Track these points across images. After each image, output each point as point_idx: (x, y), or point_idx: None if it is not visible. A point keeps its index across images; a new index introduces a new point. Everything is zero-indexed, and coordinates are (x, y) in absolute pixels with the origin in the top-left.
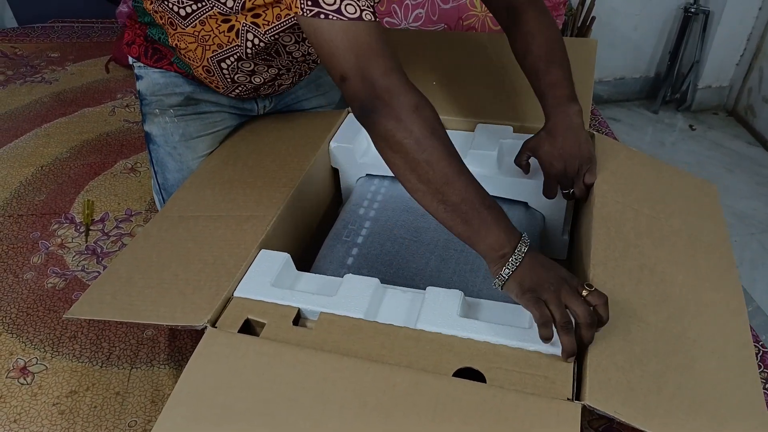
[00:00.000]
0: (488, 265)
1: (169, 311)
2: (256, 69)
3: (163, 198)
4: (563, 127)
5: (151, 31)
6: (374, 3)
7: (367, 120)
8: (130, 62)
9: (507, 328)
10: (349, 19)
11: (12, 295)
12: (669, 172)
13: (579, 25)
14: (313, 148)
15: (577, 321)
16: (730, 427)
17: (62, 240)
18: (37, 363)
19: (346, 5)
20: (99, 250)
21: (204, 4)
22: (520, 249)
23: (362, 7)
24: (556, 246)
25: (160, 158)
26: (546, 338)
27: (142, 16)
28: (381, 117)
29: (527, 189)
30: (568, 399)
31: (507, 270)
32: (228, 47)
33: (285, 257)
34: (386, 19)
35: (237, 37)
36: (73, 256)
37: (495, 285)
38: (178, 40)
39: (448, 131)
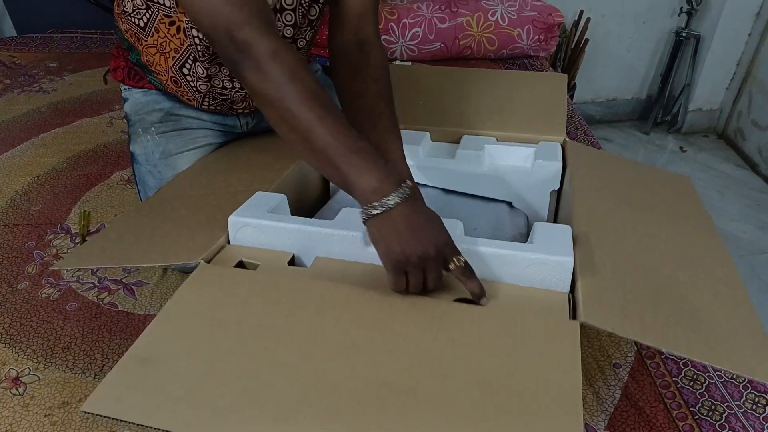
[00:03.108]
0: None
1: (162, 255)
2: (211, 72)
3: None
4: None
5: (131, 56)
6: None
7: (238, 77)
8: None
9: (507, 247)
10: None
11: (6, 304)
12: (642, 167)
13: (572, 46)
14: None
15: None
16: (728, 344)
17: (57, 250)
18: (29, 373)
19: None
20: None
21: (152, 10)
22: (392, 199)
23: None
24: None
25: (141, 176)
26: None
27: (123, 41)
28: (245, 71)
29: (511, 187)
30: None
31: (368, 211)
32: (182, 50)
33: (280, 197)
34: (384, 37)
35: (186, 37)
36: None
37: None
38: (147, 55)
39: (434, 143)
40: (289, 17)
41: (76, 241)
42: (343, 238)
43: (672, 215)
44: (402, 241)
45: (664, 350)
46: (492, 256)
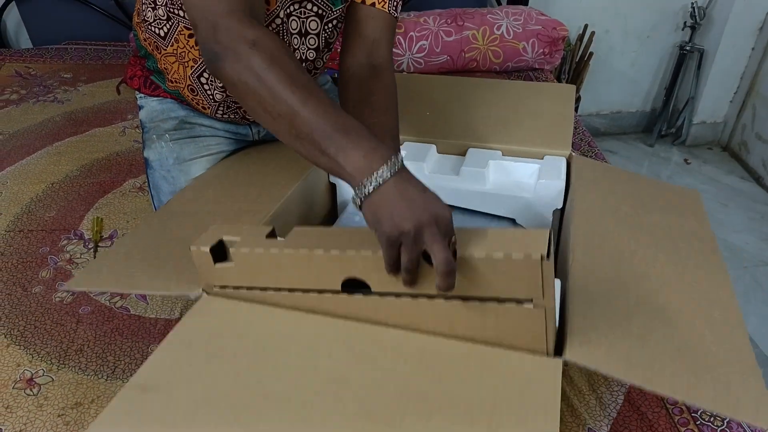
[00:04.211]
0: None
1: (165, 282)
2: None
3: None
4: None
5: (148, 63)
6: None
7: (214, 69)
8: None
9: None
10: None
11: (20, 308)
12: (648, 182)
13: (577, 60)
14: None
15: (436, 267)
16: (717, 371)
17: (71, 255)
18: (43, 375)
19: None
20: None
21: (173, 21)
22: (381, 173)
23: None
24: None
25: (155, 182)
26: (399, 276)
27: (140, 49)
28: (224, 62)
29: (514, 206)
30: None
31: (360, 192)
32: (200, 60)
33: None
34: None
35: None
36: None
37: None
38: (164, 63)
39: (440, 155)
40: (312, 41)
41: (90, 246)
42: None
43: (674, 236)
44: (394, 214)
45: (648, 389)
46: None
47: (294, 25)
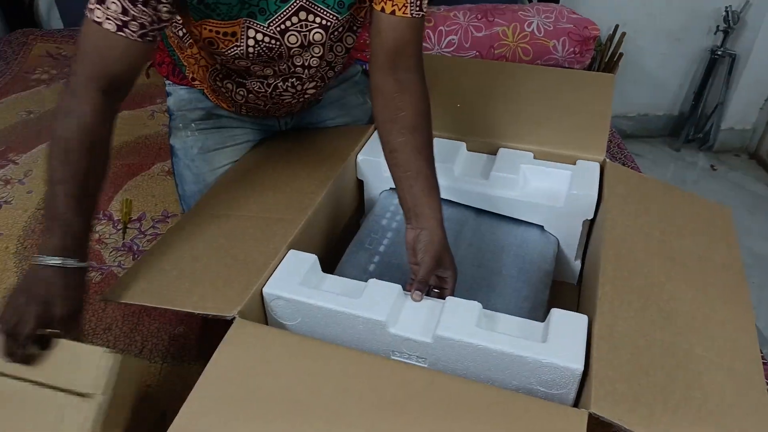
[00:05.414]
0: None
1: (201, 301)
2: (237, 89)
3: (183, 208)
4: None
5: (172, 53)
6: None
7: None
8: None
9: (521, 341)
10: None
11: None
12: (681, 196)
13: (606, 60)
14: (341, 159)
15: None
16: None
17: (100, 236)
18: None
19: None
20: (135, 248)
21: (185, 28)
22: (42, 259)
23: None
24: (568, 270)
25: (179, 170)
26: None
27: (165, 38)
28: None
29: (543, 213)
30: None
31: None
32: (215, 64)
33: (312, 258)
34: None
35: (210, 58)
36: (110, 252)
37: None
38: (186, 62)
39: (470, 153)
40: (317, 50)
41: (119, 227)
42: (367, 321)
43: (704, 268)
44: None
45: None
46: (504, 356)
47: (293, 39)
